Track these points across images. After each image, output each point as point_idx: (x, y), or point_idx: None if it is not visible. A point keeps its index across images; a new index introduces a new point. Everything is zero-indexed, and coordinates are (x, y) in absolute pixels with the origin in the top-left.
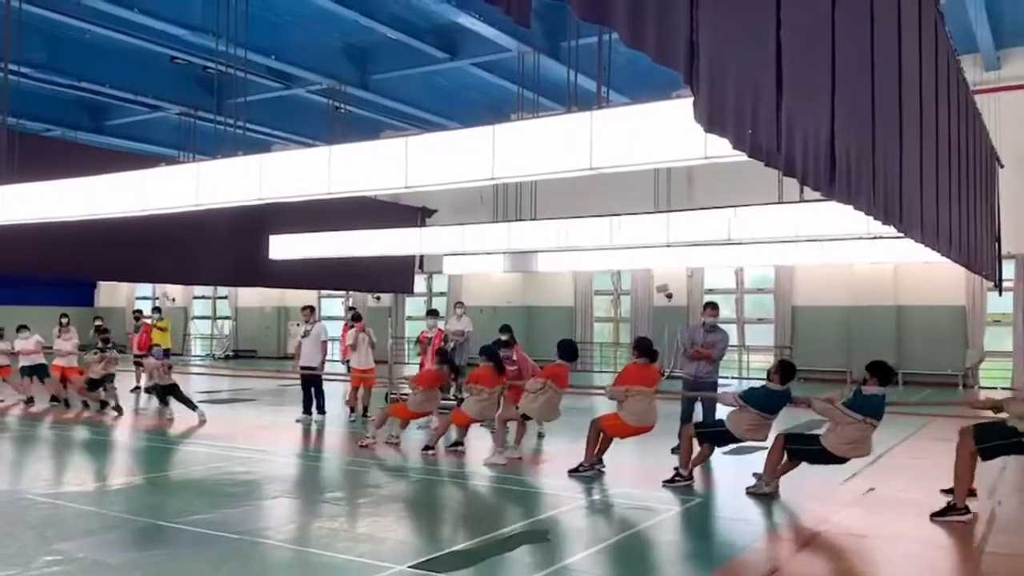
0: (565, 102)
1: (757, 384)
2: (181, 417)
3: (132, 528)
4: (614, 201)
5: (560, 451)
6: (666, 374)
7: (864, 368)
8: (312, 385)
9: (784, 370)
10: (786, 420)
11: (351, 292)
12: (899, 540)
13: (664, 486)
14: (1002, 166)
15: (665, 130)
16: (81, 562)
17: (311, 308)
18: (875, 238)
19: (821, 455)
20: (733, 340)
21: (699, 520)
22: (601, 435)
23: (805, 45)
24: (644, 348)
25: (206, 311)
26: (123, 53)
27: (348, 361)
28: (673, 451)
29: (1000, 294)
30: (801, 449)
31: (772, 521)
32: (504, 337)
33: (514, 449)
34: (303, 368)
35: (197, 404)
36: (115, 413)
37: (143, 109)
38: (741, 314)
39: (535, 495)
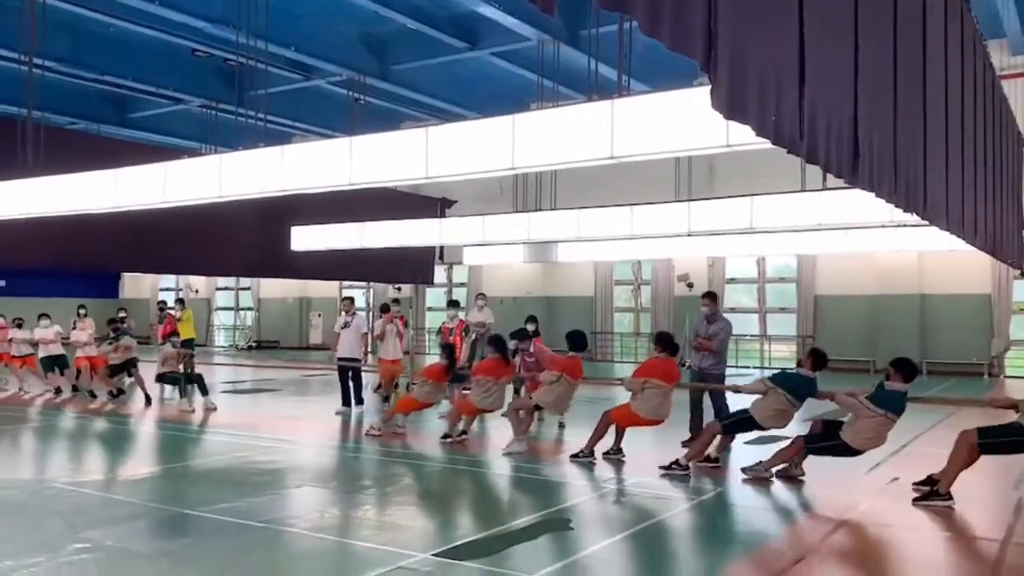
0: (585, 91)
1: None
2: (199, 406)
3: (159, 516)
4: (635, 190)
5: (581, 442)
6: (686, 364)
7: (888, 363)
8: (352, 376)
9: (816, 357)
10: (809, 411)
11: (372, 283)
12: (924, 529)
13: (661, 473)
14: None
15: (687, 118)
16: (109, 550)
17: (351, 299)
18: (899, 226)
19: (840, 449)
20: (755, 330)
21: (721, 509)
22: (614, 426)
23: (827, 31)
24: (665, 342)
25: (229, 302)
26: (146, 46)
27: (368, 351)
28: (684, 444)
29: None
30: (821, 447)
31: (796, 510)
32: (530, 327)
33: (523, 441)
34: (343, 360)
35: (208, 391)
36: (144, 401)
37: (165, 102)
38: (763, 303)
39: (555, 484)
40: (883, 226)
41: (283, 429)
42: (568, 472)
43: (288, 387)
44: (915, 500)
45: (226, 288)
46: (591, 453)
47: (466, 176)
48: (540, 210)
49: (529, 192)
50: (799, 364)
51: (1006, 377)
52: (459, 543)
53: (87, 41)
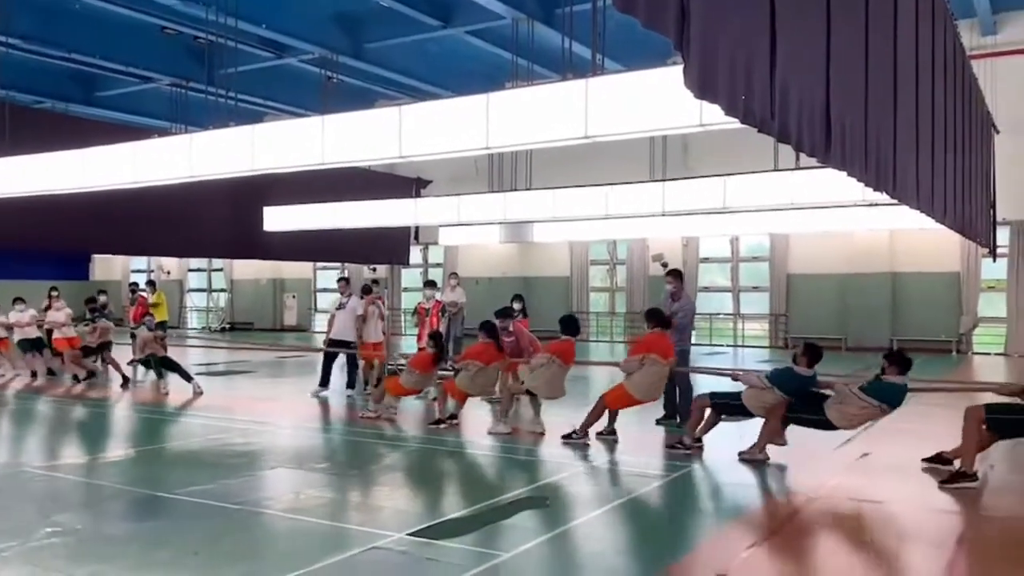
0: (560, 70)
1: (745, 358)
2: (177, 390)
3: (130, 499)
4: (610, 170)
5: (558, 421)
6: None
7: (883, 356)
8: (347, 360)
9: (811, 354)
10: None
11: (346, 264)
12: (894, 503)
13: (669, 450)
14: (998, 132)
15: (660, 97)
16: (80, 533)
17: (346, 280)
18: (870, 205)
19: (823, 424)
20: (728, 308)
21: (696, 485)
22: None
23: (799, 10)
24: (658, 317)
25: (201, 284)
26: (113, 24)
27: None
28: (658, 423)
29: (994, 260)
30: (801, 417)
31: (769, 486)
32: (516, 306)
33: (536, 423)
34: (336, 342)
35: (193, 376)
36: (121, 382)
37: (134, 80)
38: (736, 282)
39: (534, 463)
40: (855, 205)
41: (258, 411)
42: (546, 452)
43: (262, 369)
44: (941, 483)
45: (198, 269)
46: (585, 434)
47: (441, 155)
48: (515, 190)
49: (504, 172)
50: (795, 360)
51: (974, 354)
52: (435, 522)
53: (53, 18)
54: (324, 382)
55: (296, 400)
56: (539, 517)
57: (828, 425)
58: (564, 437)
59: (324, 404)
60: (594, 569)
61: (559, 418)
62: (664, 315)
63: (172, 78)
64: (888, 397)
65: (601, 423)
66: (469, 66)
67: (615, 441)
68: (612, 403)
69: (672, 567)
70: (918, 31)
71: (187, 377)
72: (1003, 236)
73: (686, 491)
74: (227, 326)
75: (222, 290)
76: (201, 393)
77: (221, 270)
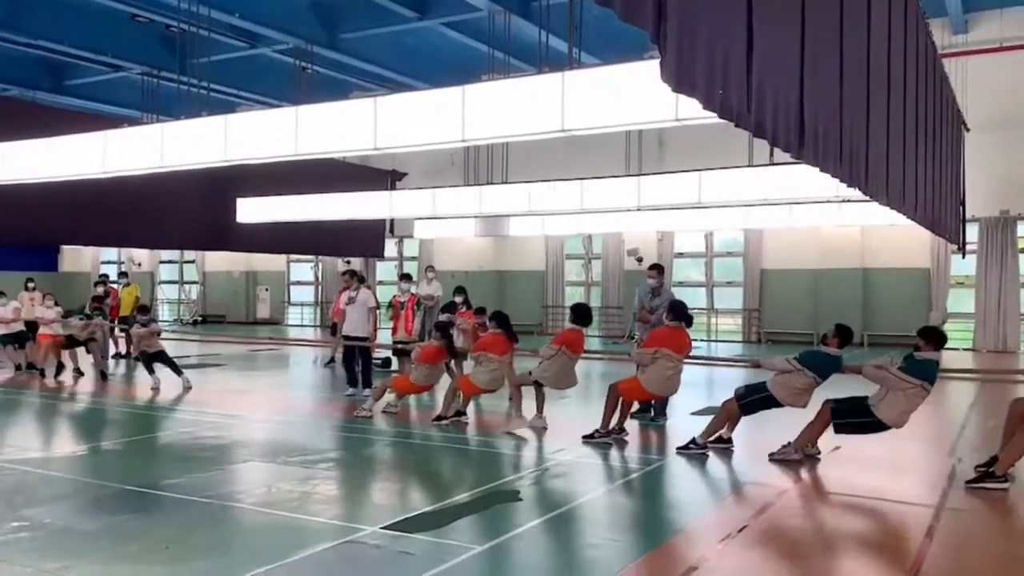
0: (536, 63)
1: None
2: (147, 384)
3: (101, 493)
4: (586, 164)
5: (531, 413)
6: (633, 336)
7: (917, 333)
8: (360, 356)
9: (842, 334)
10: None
11: (320, 257)
12: (864, 497)
13: (679, 453)
14: (968, 130)
15: (637, 92)
16: (49, 527)
17: (352, 272)
18: (843, 201)
19: (874, 426)
20: (702, 303)
21: (670, 479)
22: (620, 401)
23: (775, 7)
24: (678, 310)
25: (173, 276)
26: (83, 11)
27: (335, 324)
28: (632, 416)
29: (963, 257)
30: (850, 423)
31: (743, 479)
32: (459, 299)
33: (539, 418)
34: (349, 338)
35: (183, 370)
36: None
37: (104, 69)
38: (711, 277)
39: (515, 457)
40: (827, 201)
41: (230, 404)
42: (529, 446)
43: (235, 362)
44: (967, 483)
45: (170, 261)
46: (607, 433)
47: (416, 148)
48: (491, 183)
49: (480, 165)
50: (823, 340)
51: (944, 349)
52: (410, 516)
53: (20, 4)
54: (352, 381)
55: (269, 393)
56: (515, 510)
57: (879, 427)
58: (586, 438)
59: (299, 398)
60: (567, 561)
61: (559, 412)
62: (685, 310)
63: (143, 67)
64: (926, 375)
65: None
66: (445, 58)
67: (624, 441)
68: (626, 393)
69: (646, 559)
70: (891, 30)
71: (177, 371)
72: (972, 233)
73: (661, 484)
74: (199, 319)
75: (194, 282)
76: (190, 387)
77: (193, 262)
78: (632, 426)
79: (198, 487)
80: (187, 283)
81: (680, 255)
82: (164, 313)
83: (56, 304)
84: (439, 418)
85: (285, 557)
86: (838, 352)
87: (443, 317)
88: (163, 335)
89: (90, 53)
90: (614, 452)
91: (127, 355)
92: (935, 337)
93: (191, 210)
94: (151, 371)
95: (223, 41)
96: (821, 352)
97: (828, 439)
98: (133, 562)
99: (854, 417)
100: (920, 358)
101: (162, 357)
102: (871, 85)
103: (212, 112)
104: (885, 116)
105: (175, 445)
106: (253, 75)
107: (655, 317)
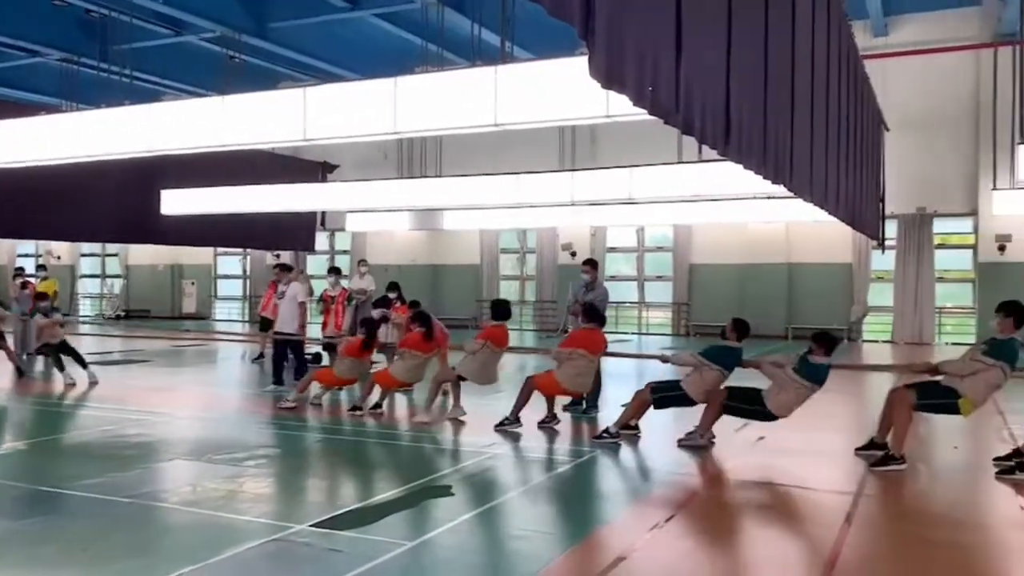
0: (470, 56)
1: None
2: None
3: (14, 495)
4: (520, 159)
5: (473, 409)
6: (567, 330)
7: (811, 337)
8: (292, 353)
9: (739, 328)
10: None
11: (249, 250)
12: (787, 485)
13: (593, 442)
14: (888, 129)
15: (569, 87)
16: None
17: (284, 266)
18: (768, 198)
19: (760, 414)
20: (634, 297)
21: (599, 470)
22: (535, 393)
23: (702, 5)
24: (591, 313)
25: (95, 269)
26: None
27: (264, 319)
28: (564, 408)
29: (883, 252)
30: (741, 407)
31: (670, 470)
32: (392, 295)
33: (458, 409)
34: (280, 334)
35: (88, 363)
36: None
37: (21, 54)
38: (642, 272)
39: (444, 451)
40: (754, 198)
41: (154, 401)
42: (458, 439)
43: (160, 358)
44: (871, 465)
45: (91, 254)
46: (516, 420)
47: (348, 139)
48: (425, 177)
49: (414, 158)
50: (723, 335)
51: (863, 341)
52: (339, 512)
53: None
54: (277, 379)
55: (195, 390)
56: (445, 505)
57: (768, 416)
58: (497, 425)
59: (227, 394)
60: (496, 554)
61: (485, 407)
62: (599, 312)
63: (62, 53)
64: (818, 378)
65: (540, 412)
66: (377, 50)
67: (555, 430)
68: (542, 387)
69: (575, 550)
70: (814, 31)
71: (83, 364)
72: (891, 229)
73: (590, 476)
74: (122, 313)
75: (117, 276)
76: (96, 382)
77: (116, 255)
78: (564, 418)
79: (119, 487)
80: (109, 277)
81: (613, 250)
82: (86, 308)
83: None
84: (355, 408)
85: (210, 557)
86: (737, 344)
87: (376, 312)
88: (76, 329)
89: (5, 38)
90: (545, 444)
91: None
92: (827, 342)
93: (113, 202)
94: (61, 367)
95: (146, 28)
96: (724, 346)
97: (752, 430)
98: (49, 565)
99: (745, 403)
100: (813, 362)
101: (65, 348)
102: (795, 85)
103: (135, 101)
104: (809, 115)
105: (95, 444)
106: (178, 63)
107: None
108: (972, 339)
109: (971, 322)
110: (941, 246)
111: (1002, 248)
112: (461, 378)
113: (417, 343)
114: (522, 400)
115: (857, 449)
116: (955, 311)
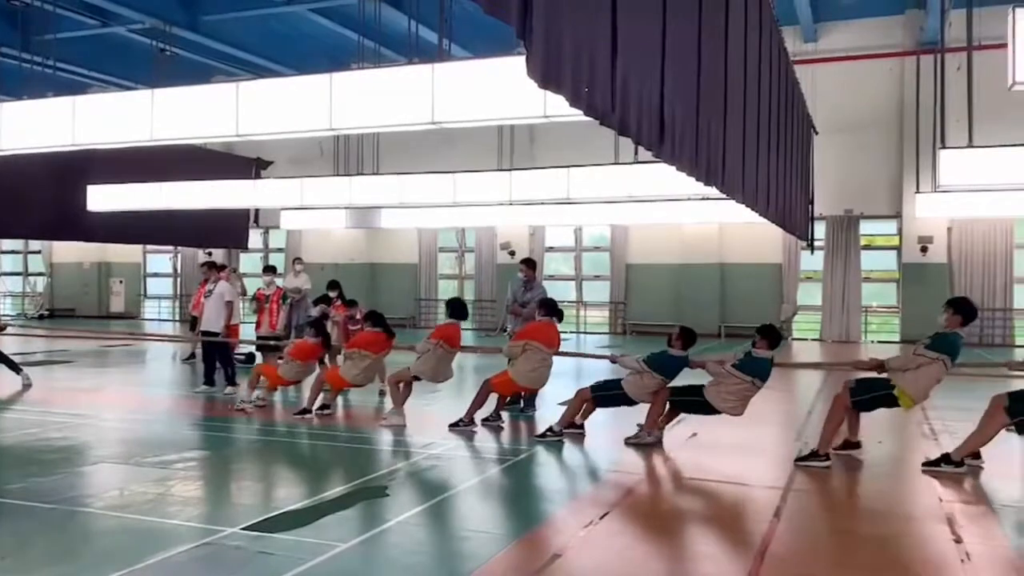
0: (407, 53)
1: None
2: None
3: None
4: (459, 158)
5: (411, 408)
6: (506, 329)
7: (756, 331)
8: (216, 352)
9: (686, 336)
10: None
11: (179, 248)
12: (719, 482)
13: (538, 438)
14: (816, 133)
15: (506, 86)
16: None
17: (211, 264)
18: (702, 199)
19: (702, 406)
20: (572, 296)
21: (535, 468)
22: (494, 393)
23: (638, 8)
24: (549, 306)
25: (16, 267)
26: None
27: (194, 318)
28: (503, 407)
29: (812, 253)
30: (683, 400)
31: (605, 467)
32: (332, 294)
33: (398, 415)
34: (206, 334)
35: (22, 368)
36: None
37: None
38: (580, 271)
39: (381, 452)
40: (688, 199)
41: (79, 403)
42: (395, 440)
43: (85, 358)
44: (796, 460)
45: (12, 251)
46: (471, 421)
47: (282, 135)
48: (362, 174)
49: (351, 155)
50: (669, 343)
51: (793, 339)
52: (272, 515)
53: None
54: (208, 380)
55: (123, 391)
56: (383, 505)
57: (710, 408)
58: (451, 425)
59: (156, 395)
60: (432, 554)
61: (413, 405)
62: (556, 305)
63: None
64: (758, 372)
65: (487, 409)
66: (313, 45)
67: (500, 427)
68: (497, 388)
69: (511, 548)
70: (746, 36)
71: (15, 368)
72: (820, 230)
73: (529, 474)
74: (45, 312)
75: (40, 274)
76: (30, 385)
77: (39, 252)
78: (503, 417)
79: (41, 492)
80: (32, 275)
81: (551, 249)
82: (6, 307)
83: None
84: (303, 411)
85: (137, 562)
86: (683, 353)
87: (316, 311)
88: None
89: None
90: (483, 444)
91: None
92: (770, 336)
93: (36, 197)
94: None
95: (71, 17)
96: (667, 355)
97: (686, 427)
98: None
99: (686, 396)
100: (756, 355)
101: None
102: (728, 88)
103: (59, 93)
104: (741, 118)
105: (15, 448)
106: (105, 55)
107: (527, 311)
108: (897, 337)
109: (895, 321)
110: (867, 247)
111: (924, 249)
112: (416, 378)
113: (367, 343)
114: (478, 402)
115: (835, 449)
116: (880, 310)
